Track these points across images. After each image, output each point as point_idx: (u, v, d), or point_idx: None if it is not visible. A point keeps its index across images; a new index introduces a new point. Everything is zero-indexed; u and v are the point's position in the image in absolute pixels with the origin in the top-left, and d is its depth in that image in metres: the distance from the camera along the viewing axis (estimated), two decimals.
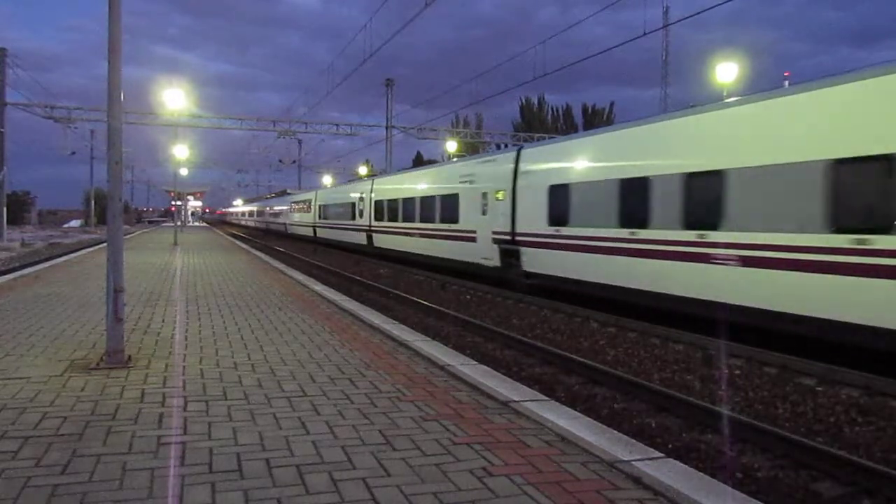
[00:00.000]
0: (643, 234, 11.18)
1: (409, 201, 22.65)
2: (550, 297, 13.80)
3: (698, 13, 15.84)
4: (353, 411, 4.35)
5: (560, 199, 13.60)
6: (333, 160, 64.46)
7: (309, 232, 40.74)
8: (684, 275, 10.29)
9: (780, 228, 8.76)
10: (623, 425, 6.07)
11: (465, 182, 18.19)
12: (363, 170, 61.42)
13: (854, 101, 8.09)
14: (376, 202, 26.48)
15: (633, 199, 11.50)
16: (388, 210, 24.95)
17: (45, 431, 3.82)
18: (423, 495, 3.04)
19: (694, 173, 10.28)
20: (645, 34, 17.48)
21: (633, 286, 11.40)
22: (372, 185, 27.90)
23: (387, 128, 43.67)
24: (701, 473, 3.44)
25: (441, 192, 19.86)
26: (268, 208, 64.63)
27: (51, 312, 8.29)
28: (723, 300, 9.48)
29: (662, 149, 11.26)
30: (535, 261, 14.53)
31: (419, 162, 63.30)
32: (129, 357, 5.70)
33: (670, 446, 5.69)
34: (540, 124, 59.48)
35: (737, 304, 9.27)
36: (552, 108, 64.68)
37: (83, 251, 23.90)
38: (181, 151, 33.99)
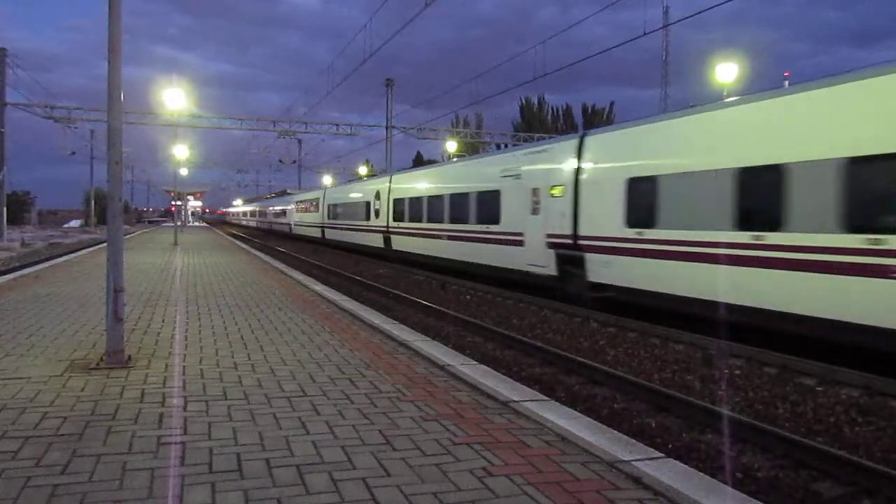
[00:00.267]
0: (774, 238, 8.77)
1: (435, 200, 20.17)
2: (619, 312, 11.72)
3: (698, 13, 15.85)
4: (353, 411, 4.35)
5: (644, 196, 11.14)
6: (333, 160, 64.49)
7: (316, 233, 38.43)
8: (847, 293, 7.84)
9: None
10: (623, 425, 6.07)
11: (509, 176, 15.69)
12: (363, 170, 61.44)
13: None
14: (395, 201, 24.01)
15: (758, 195, 9.10)
16: (409, 209, 22.53)
17: (45, 431, 3.82)
18: (423, 495, 3.04)
19: (865, 157, 7.76)
20: (645, 34, 17.51)
21: (762, 306, 8.91)
22: (390, 181, 25.25)
23: (387, 128, 43.68)
24: (701, 473, 3.44)
25: (477, 188, 17.47)
26: (271, 208, 62.43)
27: (51, 312, 8.29)
28: None
29: (813, 125, 8.62)
30: (607, 270, 12.01)
31: (419, 162, 63.28)
32: (129, 357, 5.70)
33: (670, 446, 5.69)
34: (540, 124, 59.48)
35: None
36: (552, 108, 64.72)
37: (83, 251, 23.89)
38: (181, 151, 33.98)
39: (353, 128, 44.15)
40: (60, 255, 22.75)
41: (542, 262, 14.18)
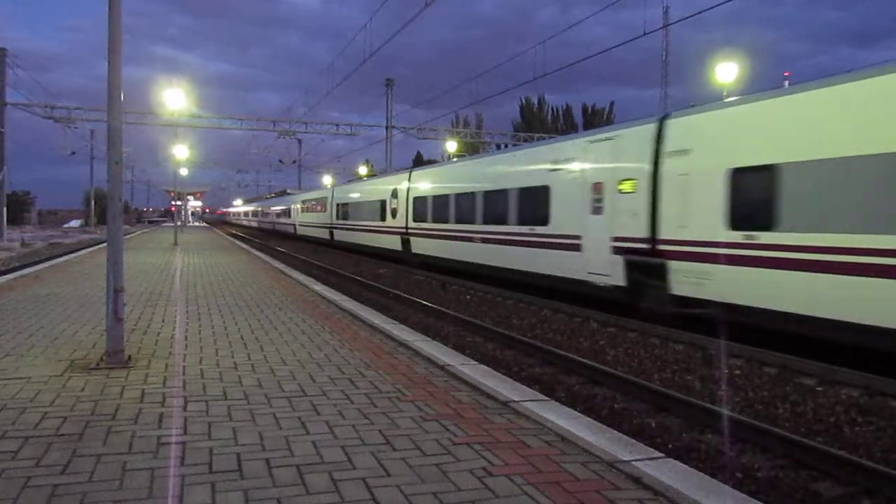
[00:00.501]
0: None
1: (465, 198, 17.98)
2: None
3: (698, 13, 15.85)
4: (353, 411, 4.35)
5: (756, 190, 9.13)
6: (333, 160, 64.41)
7: (324, 234, 35.99)
8: None
9: None
10: (623, 425, 6.07)
11: (562, 169, 13.52)
12: (363, 170, 61.43)
13: None
14: (416, 199, 21.76)
15: None
16: (433, 209, 20.22)
17: (45, 431, 3.82)
18: (423, 495, 3.04)
19: None
20: (645, 34, 17.51)
21: None
22: (409, 178, 22.93)
23: (387, 128, 43.68)
24: (701, 473, 3.44)
25: (519, 184, 15.19)
26: (274, 208, 59.89)
27: (51, 312, 8.29)
28: None
29: None
30: (700, 282, 9.86)
31: (419, 162, 63.27)
32: (129, 357, 5.70)
33: (670, 446, 5.69)
34: (540, 124, 59.52)
35: None
36: (552, 108, 64.77)
37: (83, 251, 23.89)
38: (181, 151, 33.98)
39: (353, 128, 44.17)
40: (60, 256, 22.75)
41: (605, 269, 11.94)
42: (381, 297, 15.19)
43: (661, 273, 10.64)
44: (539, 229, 14.22)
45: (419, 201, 21.59)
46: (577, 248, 12.86)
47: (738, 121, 9.79)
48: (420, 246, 21.44)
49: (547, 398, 4.90)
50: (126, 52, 5.96)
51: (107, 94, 5.65)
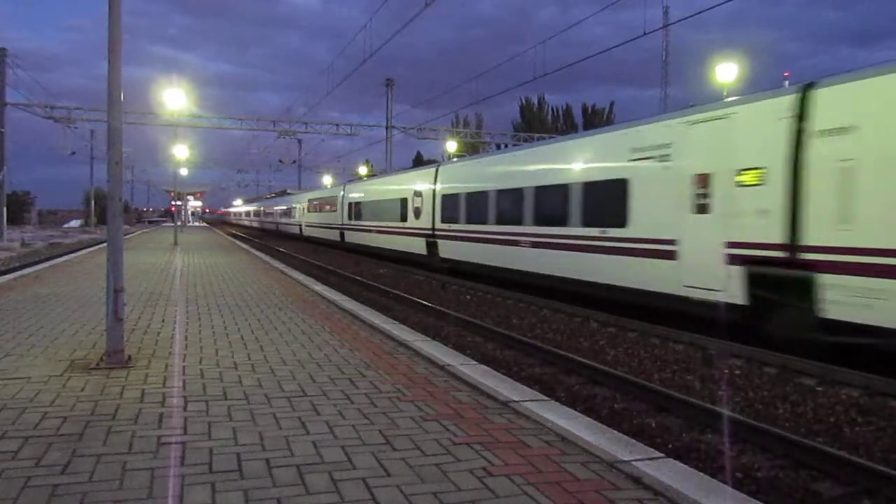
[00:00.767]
0: None
1: (509, 195, 15.72)
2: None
3: (698, 13, 15.83)
4: (353, 411, 4.35)
5: None
6: (333, 160, 64.47)
7: (333, 236, 33.43)
8: None
9: None
10: (623, 425, 6.07)
11: (648, 159, 11.06)
12: (363, 170, 61.44)
13: None
14: (445, 197, 19.34)
15: None
16: (466, 208, 17.96)
17: (45, 431, 3.82)
18: (423, 495, 3.04)
19: None
20: (645, 34, 17.51)
21: None
22: (436, 174, 20.49)
23: (387, 128, 43.69)
24: (701, 473, 3.44)
25: (585, 177, 12.87)
26: (277, 207, 57.19)
27: (51, 312, 8.29)
28: None
29: None
30: (870, 303, 7.58)
31: (419, 162, 63.29)
32: (129, 357, 5.70)
33: (670, 446, 5.69)
34: (540, 124, 59.54)
35: None
36: (552, 108, 64.84)
37: (83, 251, 23.90)
38: (181, 151, 33.99)
39: (353, 128, 44.19)
40: (60, 255, 22.75)
41: (713, 283, 9.57)
42: (381, 297, 15.19)
43: (805, 289, 8.31)
44: (614, 232, 11.73)
45: (449, 200, 19.09)
46: (669, 255, 10.45)
47: None
48: (450, 250, 18.93)
49: (547, 398, 4.90)
50: (126, 52, 5.96)
51: (107, 94, 5.66)
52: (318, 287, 12.07)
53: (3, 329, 7.04)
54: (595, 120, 58.88)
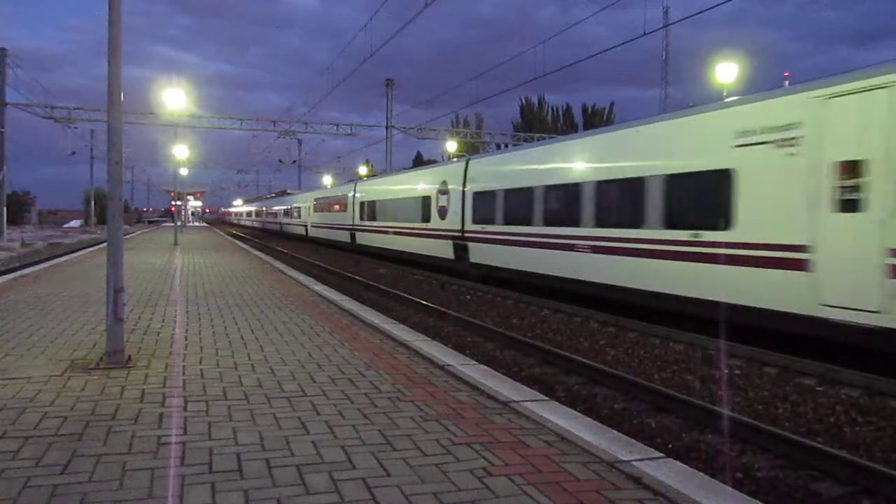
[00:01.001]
0: None
1: (561, 192, 13.61)
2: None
3: (698, 13, 15.78)
4: (353, 411, 4.35)
5: None
6: (333, 160, 64.42)
7: (343, 237, 31.25)
8: None
9: None
10: (623, 425, 6.07)
11: (762, 144, 8.96)
12: (363, 170, 61.45)
13: None
14: (477, 195, 17.31)
15: None
16: (505, 207, 15.82)
17: (45, 431, 3.82)
18: (423, 495, 3.04)
19: None
20: (645, 34, 17.46)
21: None
22: (466, 169, 18.21)
23: (387, 128, 43.68)
24: (701, 473, 3.44)
25: (670, 168, 10.61)
26: (281, 207, 54.73)
27: (51, 312, 8.29)
28: None
29: None
30: None
31: (419, 162, 63.31)
32: (129, 357, 5.71)
33: (670, 446, 5.69)
34: (540, 124, 59.54)
35: None
36: (552, 108, 64.83)
37: (83, 251, 23.90)
38: (181, 151, 34.01)
39: (353, 128, 44.17)
40: (60, 256, 22.76)
41: (868, 302, 7.56)
42: (381, 297, 15.19)
43: None
44: (711, 235, 9.68)
45: (483, 198, 16.95)
46: (796, 265, 8.40)
47: None
48: (483, 254, 16.79)
49: (547, 398, 4.90)
50: (126, 52, 5.96)
51: (107, 94, 5.66)
52: (318, 287, 12.07)
53: (3, 329, 7.04)
54: (595, 120, 58.86)
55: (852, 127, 7.90)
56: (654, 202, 10.94)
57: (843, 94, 8.03)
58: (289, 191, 67.59)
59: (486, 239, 16.61)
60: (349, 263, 24.81)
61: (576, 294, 12.96)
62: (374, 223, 26.38)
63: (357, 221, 28.96)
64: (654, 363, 8.74)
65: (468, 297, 15.48)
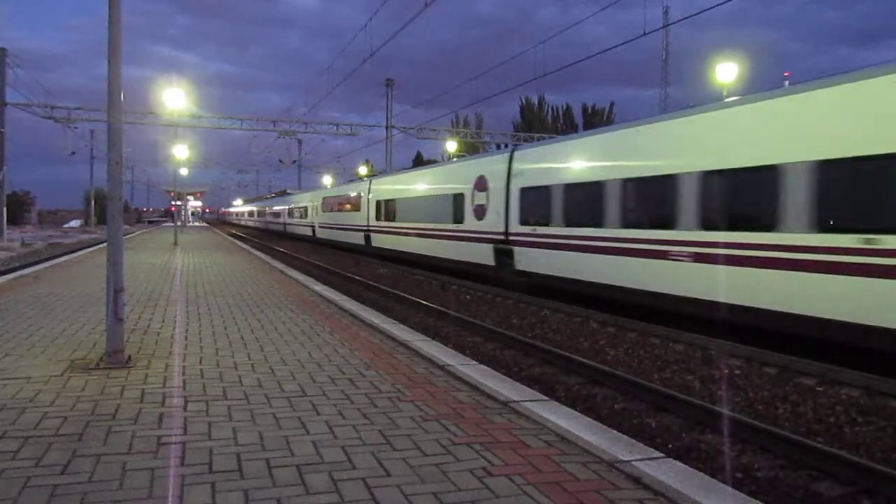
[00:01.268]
0: None
1: (648, 186, 11.13)
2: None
3: (698, 13, 15.75)
4: (353, 411, 4.35)
5: None
6: (333, 160, 64.43)
7: (356, 239, 28.93)
8: None
9: None
10: (623, 425, 6.08)
11: None
12: (363, 170, 61.46)
13: None
14: (526, 191, 14.87)
15: None
16: (566, 205, 13.32)
17: (45, 431, 3.82)
18: (423, 495, 3.04)
19: None
20: (645, 34, 17.42)
21: None
22: (510, 162, 15.78)
23: (387, 128, 43.67)
24: (701, 473, 3.44)
25: (822, 153, 8.18)
26: (285, 206, 52.31)
27: (51, 312, 8.29)
28: None
29: None
30: None
31: (419, 162, 63.33)
32: (129, 357, 5.71)
33: (670, 446, 5.69)
34: (540, 124, 59.56)
35: None
36: (552, 108, 64.88)
37: (83, 251, 23.91)
38: (181, 151, 34.00)
39: (353, 128, 44.15)
40: (60, 256, 22.76)
41: None
42: (381, 297, 15.19)
43: None
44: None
45: (533, 195, 14.59)
46: None
47: None
48: (533, 261, 14.46)
49: (547, 398, 4.90)
50: (126, 52, 5.96)
51: (107, 94, 5.66)
52: (318, 287, 12.07)
53: (3, 329, 7.04)
54: (595, 120, 58.89)
55: None
56: (798, 199, 8.35)
57: None
58: (289, 191, 67.51)
59: (538, 243, 14.18)
60: (349, 263, 24.80)
61: (670, 313, 10.57)
62: (393, 224, 23.97)
63: (372, 222, 26.69)
64: (654, 363, 8.74)
65: (468, 297, 15.48)
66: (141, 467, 3.29)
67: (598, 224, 12.20)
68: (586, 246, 12.54)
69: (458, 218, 18.14)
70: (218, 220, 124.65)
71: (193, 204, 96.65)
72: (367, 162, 66.50)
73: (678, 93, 63.18)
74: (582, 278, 12.71)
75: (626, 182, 11.68)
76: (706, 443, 5.81)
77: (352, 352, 6.30)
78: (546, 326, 11.45)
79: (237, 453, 3.52)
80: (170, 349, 6.24)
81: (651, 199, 11.29)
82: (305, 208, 42.55)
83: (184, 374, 5.28)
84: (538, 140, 34.27)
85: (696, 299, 9.98)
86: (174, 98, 23.94)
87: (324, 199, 37.30)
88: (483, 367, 5.83)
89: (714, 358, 8.68)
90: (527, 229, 14.73)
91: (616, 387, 7.47)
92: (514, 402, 4.60)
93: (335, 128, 43.73)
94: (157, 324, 7.66)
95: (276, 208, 57.86)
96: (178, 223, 37.51)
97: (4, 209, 37.50)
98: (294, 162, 56.31)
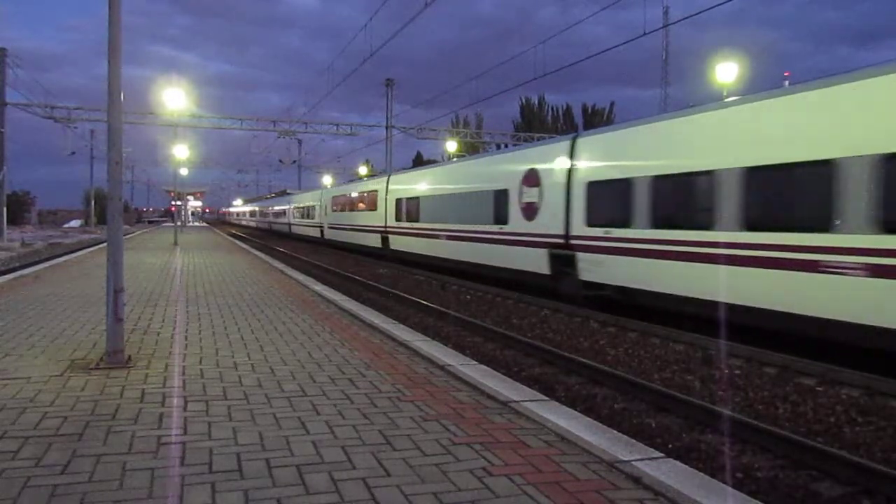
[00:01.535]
0: None
1: (803, 174, 8.52)
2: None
3: (698, 13, 15.71)
4: (353, 411, 4.35)
5: None
6: (333, 160, 64.43)
7: (372, 241, 26.68)
8: None
9: None
10: (623, 425, 6.08)
11: None
12: (363, 170, 61.47)
13: None
14: (594, 186, 12.45)
15: None
16: (651, 201, 10.91)
17: (45, 431, 3.82)
18: (423, 495, 3.04)
19: None
20: (645, 34, 17.41)
21: None
22: (571, 152, 13.30)
23: (387, 128, 43.67)
24: (701, 473, 3.44)
25: None
26: (290, 206, 49.69)
27: (51, 312, 8.29)
28: None
29: None
30: None
31: (419, 162, 63.32)
32: (129, 357, 5.71)
33: (670, 446, 5.69)
34: (540, 124, 59.58)
35: None
36: (552, 108, 64.90)
37: (83, 251, 23.91)
38: (181, 151, 34.00)
39: (353, 128, 44.16)
40: (60, 256, 22.76)
41: None
42: (381, 297, 15.19)
43: None
44: None
45: (607, 190, 12.13)
46: None
47: None
48: (606, 270, 11.96)
49: (547, 398, 4.90)
50: (126, 52, 5.97)
51: (107, 94, 5.66)
52: (318, 287, 12.07)
53: (3, 329, 7.04)
54: (595, 120, 58.90)
55: None
56: None
57: None
58: (289, 190, 67.45)
59: (613, 249, 11.76)
60: (349, 263, 24.80)
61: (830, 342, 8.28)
62: (416, 225, 21.50)
63: (391, 223, 24.32)
64: (654, 363, 8.74)
65: (468, 297, 15.48)
66: (141, 467, 3.29)
67: (704, 226, 9.76)
68: (692, 254, 9.97)
69: (501, 218, 15.83)
70: (218, 220, 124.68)
71: (193, 204, 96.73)
72: (367, 162, 66.56)
73: (678, 93, 63.26)
74: (683, 294, 10.13)
75: (753, 173, 9.06)
76: (706, 443, 5.81)
77: (352, 352, 6.30)
78: (546, 326, 11.45)
79: (237, 453, 3.52)
80: (170, 349, 6.24)
81: (799, 193, 8.69)
82: (313, 207, 39.99)
83: (184, 374, 5.28)
84: (538, 140, 33.89)
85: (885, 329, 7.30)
86: (174, 98, 23.95)
87: (334, 197, 34.77)
88: (483, 367, 5.83)
89: (714, 358, 8.68)
90: (596, 231, 12.23)
91: (616, 387, 7.47)
92: (514, 402, 4.60)
93: (335, 128, 43.73)
94: (157, 324, 7.66)
95: (281, 208, 55.25)
96: (178, 223, 37.51)
97: (4, 209, 37.50)
98: (294, 162, 56.31)
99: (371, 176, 41.34)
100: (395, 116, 44.14)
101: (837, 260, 7.87)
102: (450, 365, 5.72)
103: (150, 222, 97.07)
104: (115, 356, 5.54)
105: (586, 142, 13.23)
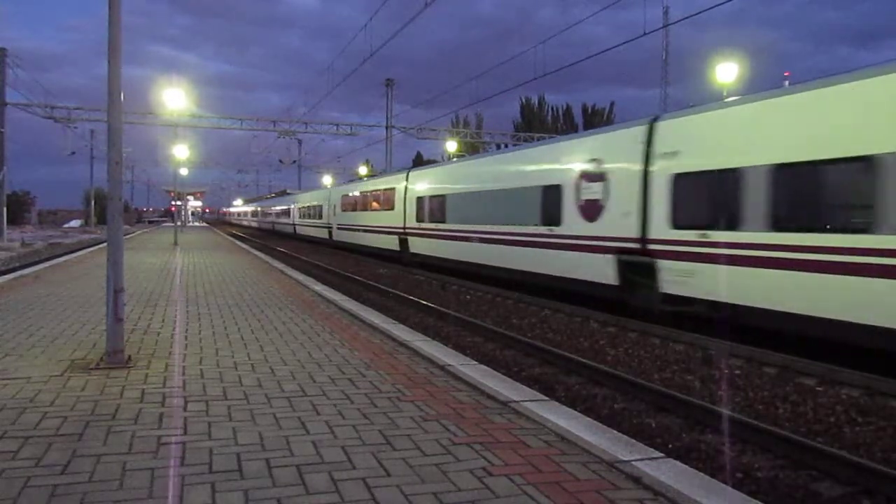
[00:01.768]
0: None
1: None
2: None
3: (698, 13, 15.71)
4: (353, 411, 4.35)
5: None
6: (333, 160, 64.42)
7: (387, 243, 24.46)
8: None
9: None
10: (623, 425, 6.07)
11: None
12: (363, 170, 61.45)
13: None
14: (682, 178, 10.29)
15: None
16: (768, 196, 8.74)
17: (45, 431, 3.82)
18: (423, 495, 3.04)
19: None
20: (645, 34, 17.43)
21: None
22: (648, 139, 11.10)
23: (387, 128, 43.68)
24: (701, 473, 3.44)
25: None
26: (294, 205, 47.63)
27: (51, 312, 8.29)
28: None
29: None
30: None
31: (419, 162, 63.24)
32: (129, 357, 5.71)
33: (670, 446, 5.69)
34: (540, 124, 59.57)
35: None
36: (552, 108, 64.89)
37: (83, 251, 23.91)
38: (181, 151, 34.00)
39: (353, 128, 44.18)
40: (60, 255, 22.76)
41: None
42: (381, 297, 15.19)
43: None
44: None
45: (701, 183, 10.02)
46: None
47: None
48: (699, 283, 9.87)
49: (547, 398, 4.90)
50: (126, 52, 5.97)
51: (107, 94, 5.66)
52: (318, 287, 12.07)
53: (3, 329, 7.04)
54: (595, 120, 58.90)
55: None
56: None
57: None
58: (289, 190, 67.40)
59: (712, 256, 9.52)
60: (349, 263, 24.80)
61: None
62: (442, 227, 19.21)
63: (411, 224, 22.00)
64: (654, 363, 8.74)
65: (468, 297, 15.48)
66: (141, 467, 3.29)
67: (865, 229, 7.58)
68: (837, 265, 7.78)
69: (552, 219, 13.63)
70: (218, 221, 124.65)
71: (193, 204, 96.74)
72: (367, 162, 66.55)
73: (678, 93, 63.12)
74: (823, 315, 8.00)
75: None
76: (706, 443, 5.80)
77: (352, 352, 6.30)
78: (546, 326, 11.45)
79: (237, 453, 3.52)
80: (170, 349, 6.24)
81: None
82: (320, 207, 37.11)
83: (184, 374, 5.28)
84: (538, 140, 33.34)
85: None
86: (174, 98, 23.96)
87: (344, 196, 31.97)
88: (483, 367, 5.83)
89: (714, 358, 8.68)
90: (686, 235, 10.05)
91: (616, 387, 7.46)
92: (514, 402, 4.60)
93: (335, 128, 43.75)
94: (157, 324, 7.66)
95: (285, 207, 52.61)
96: (178, 223, 37.50)
97: (4, 209, 37.50)
98: (294, 162, 56.31)
99: (371, 175, 40.90)
100: (395, 116, 44.20)
101: None
102: (450, 365, 5.72)
103: (150, 222, 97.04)
104: (115, 356, 5.54)
105: (670, 126, 10.78)
